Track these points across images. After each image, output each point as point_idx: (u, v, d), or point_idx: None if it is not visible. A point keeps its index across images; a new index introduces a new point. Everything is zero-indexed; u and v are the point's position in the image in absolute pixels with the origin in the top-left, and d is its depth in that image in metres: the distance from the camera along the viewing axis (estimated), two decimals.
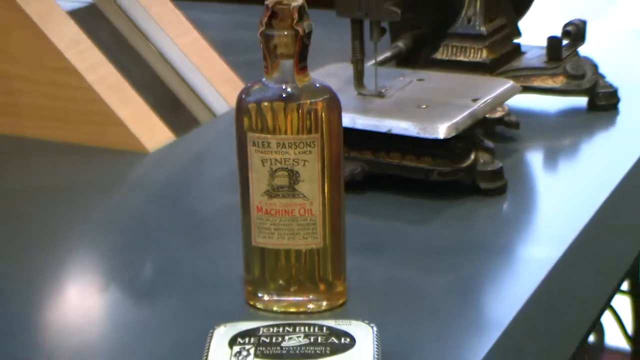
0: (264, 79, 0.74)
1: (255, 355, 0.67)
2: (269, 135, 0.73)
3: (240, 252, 0.77)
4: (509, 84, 1.00)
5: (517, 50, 1.15)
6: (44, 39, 1.07)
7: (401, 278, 0.82)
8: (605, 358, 1.69)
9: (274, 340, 0.68)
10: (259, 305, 0.77)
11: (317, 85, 0.74)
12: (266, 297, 0.77)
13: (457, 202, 0.93)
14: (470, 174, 0.94)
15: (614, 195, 0.95)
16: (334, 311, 0.76)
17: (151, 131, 1.08)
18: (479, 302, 0.80)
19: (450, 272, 0.83)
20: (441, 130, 0.90)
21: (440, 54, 1.12)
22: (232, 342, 0.68)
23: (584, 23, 1.14)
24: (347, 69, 1.00)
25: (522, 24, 1.18)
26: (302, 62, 0.74)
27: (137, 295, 0.82)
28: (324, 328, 0.69)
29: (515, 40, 1.16)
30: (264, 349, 0.67)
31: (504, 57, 1.12)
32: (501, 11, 1.13)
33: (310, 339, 0.68)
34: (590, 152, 1.08)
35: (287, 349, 0.67)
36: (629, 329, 1.60)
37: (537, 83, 1.12)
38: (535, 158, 1.05)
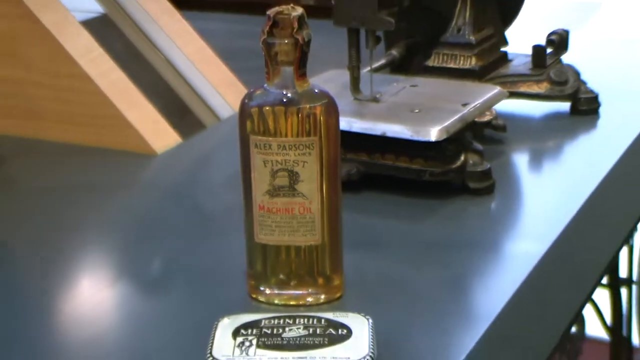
0: (265, 85, 0.74)
1: (258, 346, 0.67)
2: (270, 138, 0.73)
3: (243, 248, 0.77)
4: (497, 89, 1.00)
5: (504, 58, 1.15)
6: (59, 47, 1.08)
7: (395, 272, 0.82)
8: (586, 347, 1.69)
9: (275, 332, 0.68)
10: (261, 299, 0.77)
11: (316, 91, 0.74)
12: (268, 291, 0.77)
13: (448, 201, 0.93)
14: (460, 175, 0.93)
15: (595, 194, 0.95)
16: (331, 304, 0.76)
17: (159, 134, 1.08)
18: (469, 295, 0.80)
19: (441, 267, 0.83)
20: (433, 133, 0.90)
21: (432, 62, 1.12)
22: (236, 333, 0.68)
23: (566, 33, 1.15)
24: (344, 76, 1.00)
25: (509, 33, 1.18)
26: (301, 68, 0.73)
27: (146, 288, 0.82)
28: (322, 320, 0.69)
29: (502, 49, 1.16)
30: (265, 339, 0.67)
31: (491, 65, 1.12)
32: (489, 21, 1.13)
33: (309, 330, 0.68)
34: (573, 154, 1.08)
35: (287, 339, 0.67)
36: (608, 320, 1.60)
37: (522, 89, 1.12)
38: (521, 159, 1.05)
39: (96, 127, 1.08)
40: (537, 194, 0.98)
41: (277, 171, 0.73)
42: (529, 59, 1.13)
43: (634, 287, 1.70)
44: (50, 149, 1.09)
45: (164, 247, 0.88)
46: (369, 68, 1.00)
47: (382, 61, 1.11)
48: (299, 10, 0.73)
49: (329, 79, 1.02)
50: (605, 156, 1.03)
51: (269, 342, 0.67)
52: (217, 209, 0.96)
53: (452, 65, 1.10)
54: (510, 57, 1.16)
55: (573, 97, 1.12)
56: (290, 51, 0.73)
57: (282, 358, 0.65)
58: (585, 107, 1.13)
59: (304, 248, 0.75)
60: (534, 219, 0.93)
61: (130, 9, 1.20)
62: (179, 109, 1.16)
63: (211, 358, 0.66)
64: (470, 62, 1.10)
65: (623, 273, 1.67)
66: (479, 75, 1.10)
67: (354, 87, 0.98)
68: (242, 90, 1.15)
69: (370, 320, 0.70)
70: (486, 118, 1.01)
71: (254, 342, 0.67)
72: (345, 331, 0.68)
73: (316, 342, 0.67)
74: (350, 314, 0.70)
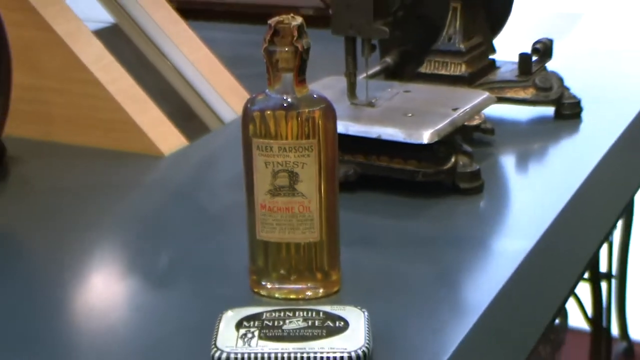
0: (267, 90, 0.74)
1: (259, 337, 0.66)
2: (271, 141, 0.73)
3: (246, 244, 0.77)
4: (485, 95, 1.00)
5: (492, 65, 1.15)
6: (72, 55, 1.07)
7: (389, 268, 0.82)
8: (568, 337, 1.69)
9: (275, 324, 0.68)
10: (263, 293, 0.77)
11: (315, 96, 0.74)
12: (269, 285, 0.76)
13: (440, 201, 0.93)
14: (451, 175, 0.93)
15: (577, 194, 0.95)
16: (329, 298, 0.76)
17: (166, 137, 1.08)
18: (459, 289, 0.80)
19: (433, 262, 0.82)
20: (425, 136, 0.90)
21: (424, 68, 1.11)
22: (239, 325, 0.68)
23: (551, 41, 1.14)
24: (341, 82, 0.99)
25: (497, 41, 1.18)
26: (301, 75, 0.73)
27: (155, 282, 0.82)
28: (321, 313, 0.69)
29: (491, 56, 1.16)
30: (267, 331, 0.67)
31: (480, 71, 1.12)
32: (478, 30, 1.13)
33: (308, 322, 0.68)
34: (557, 156, 1.08)
35: (287, 331, 0.67)
36: (589, 312, 1.60)
37: (510, 94, 1.12)
38: (508, 161, 1.05)
39: (107, 131, 1.08)
40: (523, 194, 0.98)
41: (278, 172, 0.73)
42: (516, 66, 1.13)
43: (613, 281, 1.70)
44: (63, 151, 1.09)
45: (170, 243, 0.88)
46: (364, 75, 1.00)
47: (377, 68, 1.11)
48: (299, 20, 0.72)
49: (327, 85, 1.01)
50: (587, 158, 1.02)
51: (270, 334, 0.67)
52: (221, 208, 0.96)
53: (443, 72, 1.10)
54: (498, 64, 1.16)
55: (557, 103, 1.12)
56: (291, 58, 0.72)
57: (282, 349, 0.65)
58: (568, 112, 1.13)
59: (303, 245, 0.75)
60: (521, 217, 0.92)
61: (140, 19, 1.20)
62: (185, 113, 1.16)
63: (215, 348, 0.66)
64: (460, 69, 1.10)
65: (603, 268, 1.67)
66: (468, 81, 1.10)
67: (350, 92, 0.98)
68: (244, 96, 1.15)
69: (366, 313, 0.69)
70: (475, 122, 1.01)
71: (256, 333, 0.67)
72: (342, 323, 0.68)
73: (315, 333, 0.67)
74: (347, 307, 0.70)
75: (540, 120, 1.13)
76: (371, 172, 0.94)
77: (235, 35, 1.53)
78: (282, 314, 0.69)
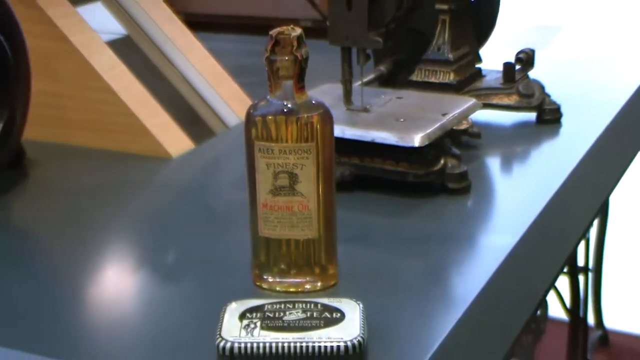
0: (268, 97, 0.74)
1: (261, 328, 0.66)
2: (272, 144, 0.72)
3: (249, 241, 0.77)
4: (472, 101, 1.00)
5: (479, 74, 1.15)
6: (86, 64, 1.07)
7: (383, 263, 0.81)
8: (548, 327, 1.69)
9: (276, 315, 0.67)
10: (264, 286, 0.76)
11: (313, 102, 0.74)
12: (270, 279, 0.76)
13: (430, 200, 0.92)
14: (440, 176, 0.93)
15: (558, 193, 0.95)
16: (327, 291, 0.75)
17: (174, 140, 1.08)
18: (448, 283, 0.80)
19: (423, 257, 0.82)
20: (416, 140, 0.90)
21: (415, 76, 1.11)
22: (242, 316, 0.68)
23: (533, 51, 1.14)
24: (338, 89, 0.99)
25: (483, 52, 1.18)
26: (300, 82, 0.73)
27: (163, 276, 0.82)
28: (319, 305, 0.69)
29: (477, 65, 1.16)
30: (268, 322, 0.67)
31: (467, 79, 1.12)
32: (465, 41, 1.13)
33: (307, 313, 0.68)
34: (539, 158, 1.07)
35: (287, 322, 0.67)
36: (568, 303, 1.60)
37: (495, 100, 1.11)
38: (493, 163, 1.04)
39: (118, 134, 1.08)
40: (507, 193, 0.98)
41: (279, 173, 0.73)
42: (500, 74, 1.12)
43: (590, 274, 1.70)
44: (77, 153, 1.09)
45: (178, 240, 0.88)
46: (360, 82, 1.00)
47: (372, 76, 1.11)
48: (298, 31, 0.72)
49: (325, 92, 1.01)
50: (567, 160, 1.02)
51: (272, 324, 0.66)
52: (226, 207, 0.95)
53: (433, 80, 1.10)
54: (484, 72, 1.15)
55: (539, 108, 1.12)
56: (290, 67, 0.72)
57: (283, 338, 0.65)
58: (549, 117, 1.12)
59: (302, 241, 0.75)
60: (505, 215, 0.92)
61: (150, 31, 1.20)
62: (191, 118, 1.16)
63: (220, 338, 0.65)
64: (448, 77, 1.10)
65: (581, 262, 1.67)
66: (456, 88, 1.10)
67: (346, 98, 0.98)
68: (247, 102, 1.15)
69: (361, 305, 0.69)
70: (463, 126, 1.01)
71: (258, 324, 0.66)
72: (339, 315, 0.67)
73: (313, 324, 0.66)
74: (344, 300, 0.70)
75: (523, 125, 1.13)
76: (366, 173, 0.94)
77: (239, 45, 1.53)
78: (282, 305, 0.69)
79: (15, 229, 0.93)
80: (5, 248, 0.87)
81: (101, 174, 1.04)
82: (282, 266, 0.76)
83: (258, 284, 0.77)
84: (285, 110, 0.73)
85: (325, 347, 0.64)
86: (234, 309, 0.69)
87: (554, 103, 1.13)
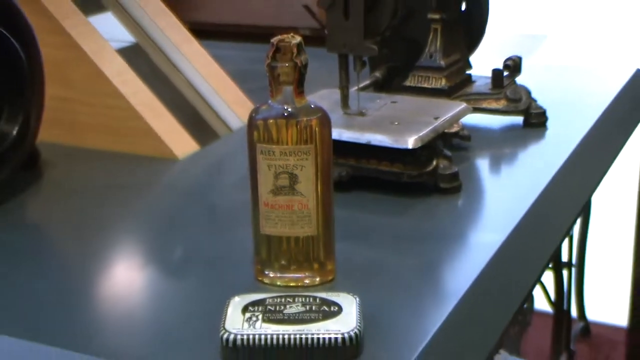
0: (269, 101, 0.73)
1: (263, 320, 0.66)
2: (273, 146, 0.72)
3: (251, 238, 0.76)
4: (463, 105, 0.99)
5: (469, 79, 1.15)
6: (97, 70, 1.07)
7: (378, 259, 0.81)
8: (534, 319, 1.69)
9: (277, 308, 0.67)
10: (266, 281, 0.76)
11: (312, 106, 0.73)
12: (271, 274, 0.76)
13: (423, 199, 0.92)
14: (432, 177, 0.93)
15: (543, 193, 0.95)
16: (325, 285, 0.75)
17: (180, 142, 1.08)
18: (440, 277, 0.79)
19: (417, 254, 0.82)
20: (410, 142, 0.90)
21: (409, 82, 1.11)
22: (245, 309, 0.67)
23: (519, 59, 1.14)
24: (335, 94, 0.99)
25: (472, 59, 1.18)
26: (300, 87, 0.73)
27: (170, 272, 0.81)
28: (317, 299, 0.69)
29: (467, 72, 1.15)
30: (269, 315, 0.66)
31: (458, 85, 1.12)
32: (456, 49, 1.13)
33: (306, 307, 0.67)
34: (525, 160, 1.07)
35: (288, 315, 0.66)
36: (552, 296, 1.60)
37: (484, 105, 1.11)
38: (483, 164, 1.04)
39: (127, 137, 1.07)
40: (496, 193, 0.97)
41: (279, 174, 0.73)
42: (489, 80, 1.12)
43: (573, 269, 1.70)
44: (89, 155, 1.08)
45: (184, 237, 0.87)
46: (356, 87, 0.99)
47: (367, 82, 1.10)
48: (298, 39, 0.72)
49: (323, 97, 1.01)
50: (552, 162, 1.02)
51: (273, 317, 0.66)
52: (229, 206, 0.95)
53: (425, 85, 1.10)
54: (473, 78, 1.15)
55: (525, 112, 1.12)
56: (290, 73, 0.72)
57: (283, 331, 0.65)
58: (535, 121, 1.12)
59: (302, 238, 0.74)
60: (494, 214, 0.92)
61: (157, 39, 1.20)
62: (196, 121, 1.16)
63: (224, 330, 0.65)
64: (440, 83, 1.10)
65: (564, 258, 1.67)
66: (448, 93, 1.09)
67: (343, 103, 0.97)
68: (250, 106, 1.15)
69: (358, 299, 0.69)
70: (454, 129, 1.00)
71: (260, 317, 0.66)
72: (336, 308, 0.67)
73: (312, 317, 0.66)
74: (341, 294, 0.69)
75: (510, 128, 1.13)
76: (362, 174, 0.94)
77: (242, 52, 1.53)
78: (283, 299, 0.68)
79: (30, 226, 0.93)
80: (21, 244, 0.87)
81: (111, 174, 1.03)
82: (283, 262, 0.75)
83: (260, 279, 0.76)
84: (285, 114, 0.72)
85: (324, 338, 0.64)
86: (237, 302, 0.68)
87: (540, 107, 1.13)
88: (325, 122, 0.73)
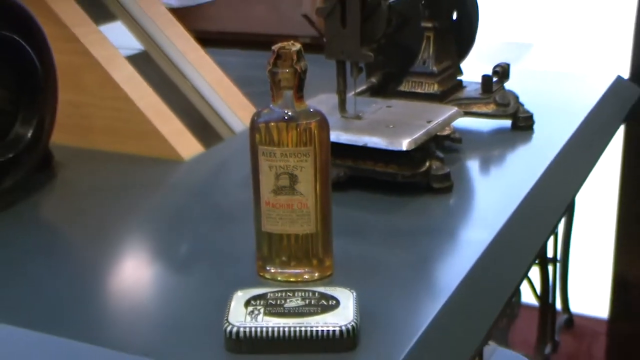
0: (271, 105, 0.73)
1: (264, 314, 0.66)
2: (274, 148, 0.72)
3: (253, 235, 0.76)
4: (454, 109, 0.99)
5: (460, 85, 1.14)
6: (107, 76, 1.06)
7: (374, 255, 0.81)
8: (521, 311, 1.68)
9: (278, 302, 0.67)
10: (267, 276, 0.75)
11: (311, 110, 0.73)
12: (272, 270, 0.75)
13: (416, 198, 0.92)
14: (425, 177, 0.92)
15: (530, 192, 0.94)
16: (323, 280, 0.75)
17: (186, 144, 1.07)
18: (433, 273, 0.79)
19: (411, 250, 0.81)
20: (404, 144, 0.89)
21: (403, 87, 1.10)
22: (247, 303, 0.67)
23: (508, 65, 1.14)
24: (333, 98, 0.98)
25: (463, 65, 1.18)
26: (299, 92, 0.72)
27: (176, 267, 0.81)
28: (316, 293, 0.68)
29: (458, 77, 1.15)
30: (271, 308, 0.66)
31: (450, 90, 1.11)
32: (448, 56, 1.12)
33: (305, 301, 0.67)
34: (513, 161, 1.06)
35: (288, 308, 0.66)
36: (538, 290, 1.60)
37: (474, 109, 1.11)
38: (473, 165, 1.04)
39: (136, 139, 1.07)
40: (486, 192, 0.97)
41: (280, 174, 0.72)
42: (479, 85, 1.12)
43: (558, 264, 1.70)
44: (99, 157, 1.08)
45: (190, 234, 0.87)
46: (353, 92, 0.99)
47: (364, 87, 1.10)
48: (298, 46, 0.72)
49: (322, 101, 1.00)
50: (538, 163, 1.01)
51: (274, 311, 0.66)
52: (233, 205, 0.94)
53: (419, 90, 1.10)
54: (464, 84, 1.15)
55: (513, 116, 1.11)
56: (291, 78, 0.71)
57: (284, 323, 0.64)
58: (523, 124, 1.12)
59: (301, 236, 0.74)
60: (484, 212, 0.91)
61: (164, 46, 1.20)
62: (201, 124, 1.16)
63: (227, 323, 0.65)
64: (433, 88, 1.09)
65: (550, 254, 1.66)
66: (440, 98, 1.09)
67: (341, 107, 0.97)
68: (252, 110, 1.15)
69: (355, 293, 0.68)
70: (446, 132, 1.00)
71: (262, 310, 0.66)
72: (334, 302, 0.67)
73: (311, 310, 0.66)
74: (338, 288, 0.69)
75: (499, 131, 1.12)
76: (359, 174, 0.93)
77: (245, 59, 1.52)
78: (283, 294, 0.68)
79: (44, 224, 0.93)
80: (36, 241, 0.86)
81: (121, 175, 1.03)
82: (283, 258, 0.75)
83: (261, 274, 0.76)
84: (286, 117, 0.72)
85: (322, 331, 0.64)
86: (240, 296, 0.68)
87: (527, 111, 1.12)
88: (324, 125, 0.73)
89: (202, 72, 1.19)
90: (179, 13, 1.25)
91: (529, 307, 1.71)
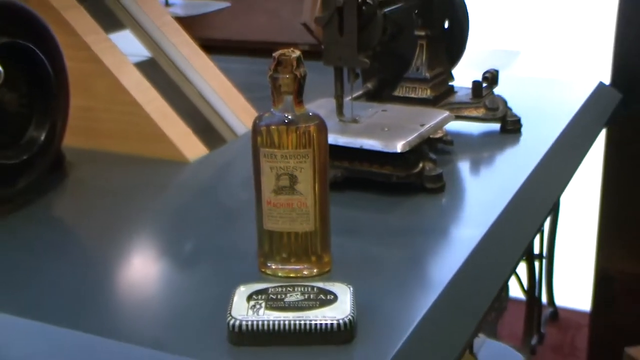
0: (272, 109, 0.72)
1: (266, 308, 0.65)
2: (275, 150, 0.71)
3: (255, 233, 0.75)
4: (446, 113, 0.98)
5: (451, 90, 1.14)
6: (116, 82, 1.06)
7: (370, 252, 0.80)
8: (509, 305, 1.68)
9: (279, 297, 0.67)
10: (268, 272, 0.75)
11: (310, 114, 0.73)
12: (273, 266, 0.75)
13: (410, 198, 0.91)
14: (419, 178, 0.92)
15: (518, 192, 0.94)
16: (322, 276, 0.74)
17: (191, 146, 1.06)
18: (426, 269, 0.78)
19: (405, 247, 0.81)
20: (398, 146, 0.89)
21: (398, 92, 1.10)
22: (249, 298, 0.67)
23: (497, 72, 1.13)
24: (331, 103, 0.98)
25: (455, 71, 1.17)
26: (299, 97, 0.72)
27: (181, 263, 0.80)
28: (315, 288, 0.68)
29: (450, 83, 1.14)
30: (272, 302, 0.66)
31: (442, 95, 1.11)
32: (440, 62, 1.12)
33: (305, 295, 0.67)
34: (502, 163, 1.06)
35: (288, 302, 0.66)
36: (525, 285, 1.60)
37: (465, 113, 1.10)
38: (464, 166, 1.03)
39: (144, 142, 1.06)
40: (476, 192, 0.96)
41: (281, 175, 0.72)
42: (470, 91, 1.11)
43: (544, 260, 1.69)
44: (109, 158, 1.07)
45: (195, 232, 0.86)
46: (350, 97, 0.99)
47: (360, 92, 1.09)
48: (297, 53, 0.71)
49: (320, 105, 1.00)
50: (526, 164, 1.01)
51: (275, 305, 0.65)
52: (235, 204, 0.94)
53: (412, 95, 1.09)
54: (455, 89, 1.14)
55: (502, 120, 1.11)
56: (291, 84, 0.71)
57: (284, 317, 0.64)
58: (511, 127, 1.11)
59: (301, 234, 0.73)
60: (474, 211, 0.91)
61: (171, 54, 1.19)
62: (206, 127, 1.15)
63: (230, 317, 0.64)
64: (426, 93, 1.09)
65: (536, 250, 1.66)
66: (432, 102, 1.08)
67: (338, 111, 0.96)
68: (254, 114, 1.14)
69: (351, 288, 0.68)
70: (438, 135, 1.00)
71: (263, 304, 0.66)
72: (332, 296, 0.67)
73: (310, 305, 0.65)
74: (336, 284, 0.69)
75: (488, 134, 1.12)
76: (355, 175, 0.93)
77: (247, 65, 1.52)
78: (284, 289, 0.68)
79: (57, 222, 0.92)
80: (48, 238, 0.86)
81: (129, 176, 1.02)
82: (284, 255, 0.74)
83: (263, 270, 0.75)
84: (286, 121, 0.71)
85: (321, 324, 0.64)
86: (242, 291, 0.68)
87: (515, 115, 1.12)
88: (322, 129, 0.72)
89: (207, 77, 1.18)
90: (185, 22, 1.25)
91: (516, 301, 1.71)
